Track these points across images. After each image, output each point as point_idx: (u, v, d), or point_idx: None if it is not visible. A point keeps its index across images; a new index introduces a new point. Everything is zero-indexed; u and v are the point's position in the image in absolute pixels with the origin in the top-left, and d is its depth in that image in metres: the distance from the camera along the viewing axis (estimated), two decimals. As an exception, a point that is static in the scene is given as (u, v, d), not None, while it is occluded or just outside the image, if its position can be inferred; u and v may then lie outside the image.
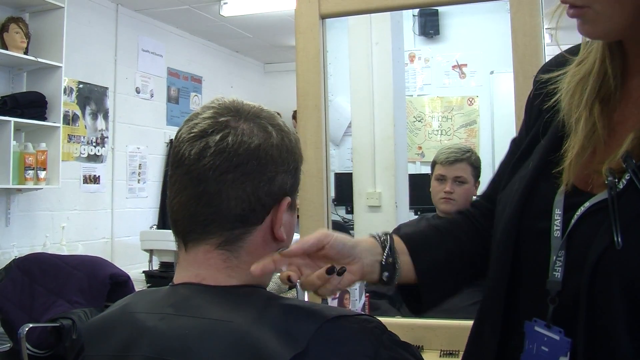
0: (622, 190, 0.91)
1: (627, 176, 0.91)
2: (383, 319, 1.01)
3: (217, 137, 0.96)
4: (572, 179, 1.00)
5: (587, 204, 0.96)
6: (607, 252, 0.89)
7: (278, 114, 1.10)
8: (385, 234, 1.19)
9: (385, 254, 1.15)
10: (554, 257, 0.98)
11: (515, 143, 1.23)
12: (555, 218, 0.99)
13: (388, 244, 1.17)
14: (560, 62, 1.12)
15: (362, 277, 1.12)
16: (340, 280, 1.05)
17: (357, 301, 2.09)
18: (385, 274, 1.15)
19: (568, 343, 0.94)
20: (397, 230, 1.29)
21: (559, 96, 1.07)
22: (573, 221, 0.96)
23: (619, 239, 0.88)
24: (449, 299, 1.28)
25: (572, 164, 1.00)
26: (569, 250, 0.96)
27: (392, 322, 2.15)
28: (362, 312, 1.22)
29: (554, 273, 0.97)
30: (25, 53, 4.36)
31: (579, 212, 0.96)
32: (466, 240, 1.25)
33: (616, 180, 0.92)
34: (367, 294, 2.21)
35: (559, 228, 0.98)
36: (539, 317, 1.00)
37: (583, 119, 1.00)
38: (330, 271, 1.02)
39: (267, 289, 1.04)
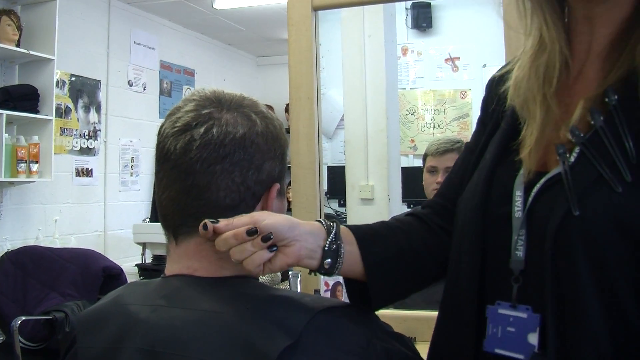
0: (574, 162, 0.94)
1: (577, 149, 0.95)
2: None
3: (202, 129, 0.96)
4: (534, 166, 1.01)
5: (542, 181, 0.98)
6: (566, 220, 0.91)
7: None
8: (332, 220, 1.09)
9: (329, 239, 1.04)
10: (515, 237, 0.99)
11: (468, 147, 1.24)
12: (516, 200, 1.00)
13: (334, 230, 1.06)
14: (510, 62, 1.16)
15: (298, 260, 0.99)
16: (269, 256, 0.94)
17: (349, 293, 2.10)
18: (327, 260, 1.03)
19: (537, 318, 0.95)
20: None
21: (509, 85, 1.10)
22: (530, 199, 0.98)
23: (575, 207, 0.90)
24: (400, 299, 1.21)
25: (532, 151, 1.02)
26: (529, 228, 0.98)
27: (385, 313, 2.15)
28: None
29: (516, 252, 0.98)
30: (17, 46, 4.34)
31: (535, 190, 0.98)
32: (417, 238, 1.19)
33: (567, 154, 0.95)
34: (360, 286, 2.21)
35: (519, 209, 0.99)
36: (502, 300, 1.00)
37: (538, 103, 1.03)
38: (250, 232, 0.92)
39: (260, 280, 1.04)
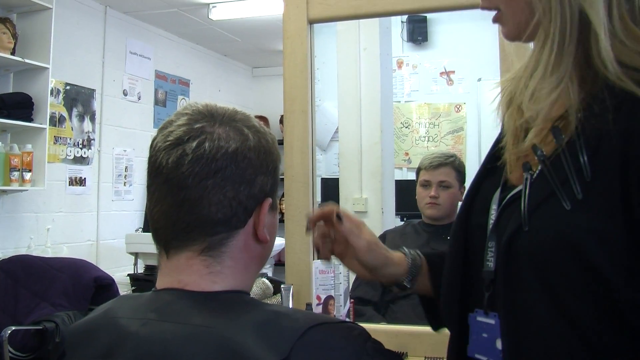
0: (534, 179, 1.00)
1: (539, 167, 1.00)
2: (367, 325, 1.01)
3: (194, 144, 0.96)
4: (514, 180, 1.07)
5: (508, 196, 1.05)
6: (515, 235, 0.97)
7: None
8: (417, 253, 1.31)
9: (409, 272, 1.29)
10: (487, 248, 1.05)
11: None
12: (492, 212, 1.07)
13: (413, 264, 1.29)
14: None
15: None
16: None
17: (341, 307, 2.09)
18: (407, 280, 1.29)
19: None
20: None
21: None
22: (496, 213, 1.06)
23: (526, 222, 0.96)
24: None
25: (509, 165, 1.09)
26: (497, 240, 1.04)
27: (377, 328, 2.15)
28: (346, 319, 1.22)
29: (487, 263, 1.04)
30: (13, 54, 4.33)
31: (502, 204, 1.05)
32: None
33: (531, 171, 1.01)
34: (352, 300, 2.20)
35: (493, 221, 1.06)
36: (479, 308, 1.06)
37: (506, 117, 1.12)
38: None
39: (251, 295, 1.04)
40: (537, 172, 1.00)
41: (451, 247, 1.16)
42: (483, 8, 1.10)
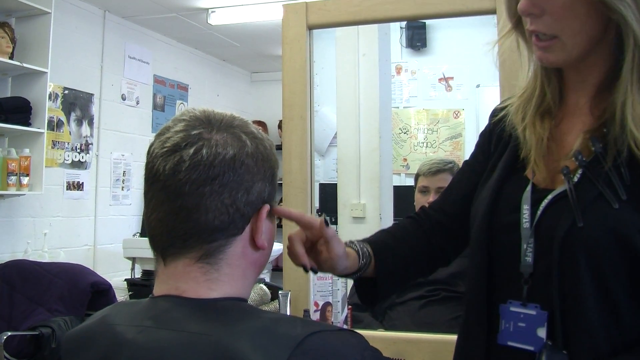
0: (577, 182, 1.13)
1: (579, 171, 1.13)
2: (365, 332, 1.01)
3: (191, 150, 0.95)
4: (541, 184, 1.20)
5: (549, 197, 1.16)
6: (571, 231, 1.09)
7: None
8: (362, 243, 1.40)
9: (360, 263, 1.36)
10: (525, 245, 1.16)
11: (467, 164, 1.47)
12: (524, 212, 1.18)
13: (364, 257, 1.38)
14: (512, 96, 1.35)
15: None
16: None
17: (339, 313, 2.09)
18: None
19: (545, 315, 1.12)
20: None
21: (509, 117, 1.31)
22: (539, 212, 1.16)
23: (580, 219, 1.09)
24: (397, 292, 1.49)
25: (536, 170, 1.21)
26: (537, 237, 1.15)
27: (375, 335, 2.14)
28: (344, 327, 1.23)
29: (526, 258, 1.16)
30: (11, 58, 4.32)
31: (543, 204, 1.16)
32: (417, 249, 1.44)
33: (571, 175, 1.13)
34: (350, 307, 2.20)
35: (527, 220, 1.17)
36: (513, 299, 1.17)
37: (528, 131, 1.23)
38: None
39: (248, 301, 1.03)
40: (579, 175, 1.13)
41: (476, 245, 1.26)
42: (532, 32, 1.17)
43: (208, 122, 0.99)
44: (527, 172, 1.23)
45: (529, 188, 1.20)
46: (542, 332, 1.12)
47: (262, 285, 2.98)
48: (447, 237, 1.44)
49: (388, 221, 3.86)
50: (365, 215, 3.69)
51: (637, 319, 1.08)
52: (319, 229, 1.27)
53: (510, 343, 1.16)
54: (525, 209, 1.18)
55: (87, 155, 5.40)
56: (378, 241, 1.43)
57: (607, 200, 1.09)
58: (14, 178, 4.29)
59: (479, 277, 1.23)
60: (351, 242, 1.38)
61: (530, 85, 1.27)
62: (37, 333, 3.35)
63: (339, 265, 1.30)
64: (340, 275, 1.37)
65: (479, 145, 1.45)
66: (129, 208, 5.92)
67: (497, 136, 1.36)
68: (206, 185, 0.94)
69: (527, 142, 1.23)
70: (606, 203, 1.09)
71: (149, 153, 0.99)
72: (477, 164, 1.41)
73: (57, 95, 5.06)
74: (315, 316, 2.07)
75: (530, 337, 1.13)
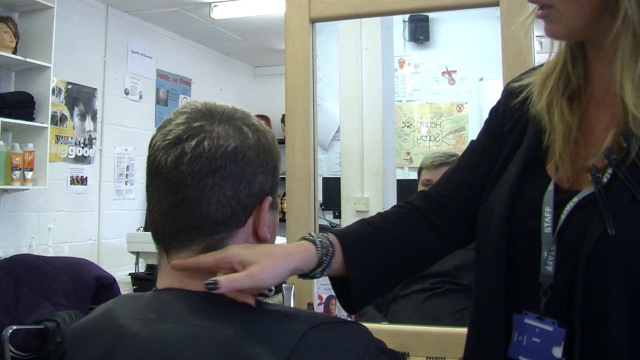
0: (607, 183, 0.99)
1: (609, 170, 0.99)
2: (369, 325, 1.00)
3: (193, 142, 0.95)
4: (565, 184, 1.06)
5: (575, 199, 1.02)
6: (601, 241, 0.95)
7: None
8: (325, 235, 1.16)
9: (318, 261, 1.12)
10: (546, 253, 1.03)
11: (475, 144, 1.31)
12: (545, 216, 1.04)
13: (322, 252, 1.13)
14: (529, 71, 1.22)
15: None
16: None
17: (343, 307, 2.09)
18: (316, 272, 1.12)
19: (562, 333, 0.99)
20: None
21: (530, 97, 1.15)
22: (563, 217, 1.02)
23: (612, 227, 0.94)
24: (380, 297, 1.28)
25: (560, 167, 1.07)
26: (560, 245, 1.02)
27: (379, 328, 2.15)
28: (349, 319, 1.20)
29: (546, 267, 1.02)
30: (14, 53, 4.33)
31: (568, 208, 1.02)
32: (403, 238, 1.23)
33: (599, 175, 1.00)
34: (354, 300, 2.20)
35: (549, 225, 1.03)
36: (529, 310, 1.04)
37: (556, 117, 1.09)
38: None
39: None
40: (609, 176, 0.99)
41: (495, 250, 1.12)
42: (534, 2, 1.08)
43: (210, 115, 0.99)
44: (549, 166, 1.10)
45: (551, 188, 1.07)
46: (557, 352, 1.00)
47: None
48: (450, 222, 1.25)
49: (391, 214, 3.85)
50: (368, 209, 3.69)
51: None
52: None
53: (521, 358, 1.05)
54: (547, 212, 1.05)
55: (91, 149, 5.41)
56: (347, 232, 1.21)
57: None
58: (17, 173, 4.30)
59: (497, 286, 1.10)
60: (309, 234, 1.15)
61: (553, 62, 1.15)
62: (42, 327, 3.36)
63: (270, 270, 1.00)
64: (303, 277, 1.14)
65: (488, 124, 1.30)
66: (133, 202, 5.92)
67: (511, 117, 1.21)
68: (208, 177, 0.94)
69: (553, 131, 1.09)
70: None
71: (151, 146, 0.99)
72: (489, 144, 1.27)
73: (60, 90, 5.06)
74: (319, 309, 2.07)
75: (544, 356, 1.02)
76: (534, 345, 1.02)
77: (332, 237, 1.16)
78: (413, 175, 4.54)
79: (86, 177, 5.36)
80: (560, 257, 1.02)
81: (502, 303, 1.09)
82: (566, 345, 0.99)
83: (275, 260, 1.00)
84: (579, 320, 0.97)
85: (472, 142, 1.32)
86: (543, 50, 4.54)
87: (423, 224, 1.25)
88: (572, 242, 1.00)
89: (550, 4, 1.05)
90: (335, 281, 1.21)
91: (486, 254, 1.14)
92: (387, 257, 1.21)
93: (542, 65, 1.18)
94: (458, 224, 1.26)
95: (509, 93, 1.24)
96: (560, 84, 1.11)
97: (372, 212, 3.65)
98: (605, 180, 0.99)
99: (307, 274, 1.12)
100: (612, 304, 0.95)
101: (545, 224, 1.04)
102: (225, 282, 0.92)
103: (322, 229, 2.54)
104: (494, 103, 1.32)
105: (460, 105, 5.99)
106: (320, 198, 2.26)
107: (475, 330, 1.19)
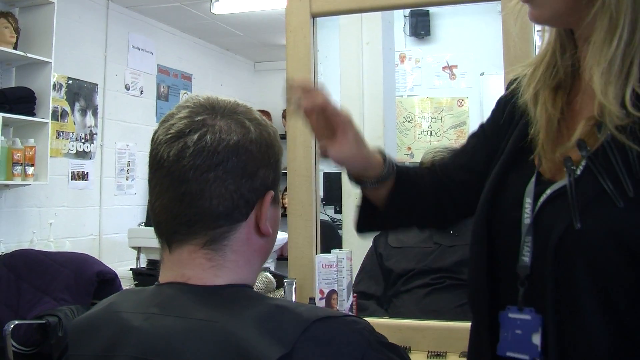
0: (580, 175, 1.00)
1: (583, 162, 1.00)
2: (370, 320, 1.01)
3: (195, 136, 0.95)
4: (547, 174, 1.07)
5: (548, 191, 1.03)
6: (567, 234, 0.97)
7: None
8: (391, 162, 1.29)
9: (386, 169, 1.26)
10: (522, 243, 1.04)
11: (481, 128, 1.35)
12: (526, 206, 1.05)
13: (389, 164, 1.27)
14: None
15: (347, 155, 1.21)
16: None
17: (344, 301, 2.09)
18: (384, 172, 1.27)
19: (539, 319, 1.01)
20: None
21: (519, 89, 1.17)
22: (537, 208, 1.04)
23: (577, 221, 0.96)
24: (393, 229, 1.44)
25: (543, 157, 1.08)
26: (535, 235, 1.03)
27: (380, 322, 2.15)
28: (350, 313, 1.21)
29: (523, 258, 1.04)
30: (15, 48, 4.33)
31: (542, 199, 1.04)
32: (435, 191, 1.32)
33: (574, 167, 1.00)
34: (355, 295, 2.20)
35: (528, 215, 1.04)
36: (511, 304, 1.06)
37: (539, 108, 1.10)
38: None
39: (254, 289, 1.03)
40: (582, 168, 1.00)
41: (474, 244, 1.14)
42: None
43: (212, 109, 0.99)
44: (535, 156, 1.10)
45: (533, 179, 1.07)
46: (536, 339, 1.01)
47: (267, 273, 2.98)
48: (450, 200, 1.32)
49: (392, 210, 3.85)
50: (369, 204, 3.69)
51: None
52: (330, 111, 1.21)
53: (508, 353, 1.05)
54: (528, 203, 1.05)
55: (92, 145, 5.41)
56: (403, 168, 1.33)
57: (610, 197, 0.95)
58: (19, 168, 4.30)
59: (481, 286, 1.12)
60: (380, 150, 1.29)
61: (542, 52, 1.15)
62: (44, 322, 3.37)
63: (353, 156, 1.22)
64: (354, 177, 1.30)
65: (493, 112, 1.32)
66: (134, 198, 5.93)
67: (509, 110, 1.23)
68: (210, 171, 0.94)
69: (537, 121, 1.10)
70: (609, 201, 0.95)
71: (153, 140, 0.99)
72: (490, 132, 1.29)
73: (61, 86, 5.06)
74: (320, 304, 2.07)
75: (525, 345, 1.03)
76: (518, 337, 1.04)
77: (393, 161, 1.29)
78: (414, 170, 4.54)
79: (87, 173, 5.36)
80: (535, 247, 1.03)
81: (486, 300, 1.11)
82: (544, 330, 1.01)
83: (364, 152, 1.23)
84: (550, 308, 0.99)
85: (482, 125, 1.35)
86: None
87: (436, 189, 1.33)
88: (543, 233, 1.01)
89: None
90: (363, 200, 1.34)
91: (470, 248, 1.16)
92: (417, 199, 1.32)
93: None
94: (454, 201, 1.32)
95: (510, 85, 1.26)
96: (547, 74, 1.12)
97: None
98: (579, 172, 1.00)
99: (359, 179, 1.28)
100: (581, 292, 0.96)
101: (525, 215, 1.05)
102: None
103: (323, 224, 2.54)
104: (495, 98, 1.34)
105: (461, 100, 5.99)
106: (321, 193, 2.27)
107: (472, 329, 1.21)
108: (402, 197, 1.29)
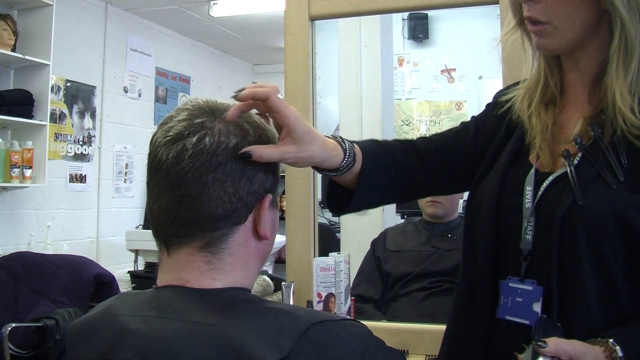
0: (577, 163, 1.19)
1: (579, 155, 1.20)
2: (368, 323, 1.01)
3: (194, 139, 0.95)
4: (544, 167, 1.26)
5: (550, 178, 1.22)
6: (571, 209, 1.15)
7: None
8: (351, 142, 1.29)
9: (346, 158, 1.25)
10: (525, 224, 1.22)
11: (473, 121, 1.48)
12: (527, 193, 1.24)
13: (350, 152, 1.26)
14: (513, 85, 1.42)
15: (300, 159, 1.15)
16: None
17: (342, 305, 2.09)
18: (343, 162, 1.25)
19: (540, 290, 1.18)
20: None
21: (514, 105, 1.35)
22: (540, 192, 1.22)
23: (580, 198, 1.15)
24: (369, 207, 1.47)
25: (540, 154, 1.27)
26: (537, 216, 1.21)
27: (378, 326, 2.15)
28: (348, 317, 1.21)
29: (526, 236, 1.22)
30: (13, 50, 4.32)
31: (544, 185, 1.22)
32: (408, 166, 1.40)
33: (571, 158, 1.20)
34: (353, 298, 2.20)
35: (529, 200, 1.23)
36: (512, 275, 1.23)
37: (534, 118, 1.29)
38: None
39: (252, 292, 1.03)
40: (579, 158, 1.19)
41: (484, 226, 1.29)
42: (528, 18, 1.22)
43: (211, 112, 0.99)
44: (531, 157, 1.29)
45: (532, 171, 1.26)
46: (537, 307, 1.18)
47: (265, 276, 2.98)
48: (436, 170, 1.43)
49: (391, 213, 3.86)
50: (367, 207, 3.69)
51: (632, 296, 1.15)
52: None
53: (507, 317, 1.22)
54: (528, 190, 1.24)
55: (90, 147, 5.41)
56: (368, 148, 1.34)
57: (605, 181, 1.15)
58: (17, 170, 4.29)
59: (486, 256, 1.28)
60: (339, 137, 1.27)
61: (535, 76, 1.33)
62: (41, 324, 3.36)
63: (300, 159, 1.13)
64: (317, 169, 1.26)
65: (485, 114, 1.47)
66: (132, 200, 5.92)
67: (497, 122, 1.40)
68: (209, 173, 0.94)
69: (532, 129, 1.29)
70: (605, 183, 1.15)
71: (152, 142, 1.00)
72: (474, 128, 1.45)
73: (59, 88, 5.06)
74: (318, 307, 2.07)
75: (526, 312, 1.19)
76: (518, 305, 1.20)
77: (356, 148, 1.29)
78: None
79: (85, 175, 5.36)
80: (537, 226, 1.21)
81: (491, 271, 1.26)
82: (544, 301, 1.17)
83: (312, 151, 1.14)
84: (555, 277, 1.16)
85: (474, 117, 1.50)
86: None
87: (419, 162, 1.42)
88: (547, 213, 1.19)
89: (547, 20, 1.20)
90: (332, 183, 1.35)
91: (477, 228, 1.31)
92: (388, 179, 1.37)
93: (525, 80, 1.36)
94: (441, 172, 1.44)
95: (497, 102, 1.42)
96: (538, 92, 1.31)
97: (371, 211, 3.66)
98: (576, 162, 1.19)
99: (323, 169, 1.25)
100: (581, 261, 1.13)
101: (527, 200, 1.23)
102: (257, 153, 0.98)
103: (322, 226, 2.54)
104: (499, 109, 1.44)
105: (459, 104, 6.00)
106: (319, 196, 2.27)
107: (464, 298, 1.35)
108: (371, 180, 1.33)
